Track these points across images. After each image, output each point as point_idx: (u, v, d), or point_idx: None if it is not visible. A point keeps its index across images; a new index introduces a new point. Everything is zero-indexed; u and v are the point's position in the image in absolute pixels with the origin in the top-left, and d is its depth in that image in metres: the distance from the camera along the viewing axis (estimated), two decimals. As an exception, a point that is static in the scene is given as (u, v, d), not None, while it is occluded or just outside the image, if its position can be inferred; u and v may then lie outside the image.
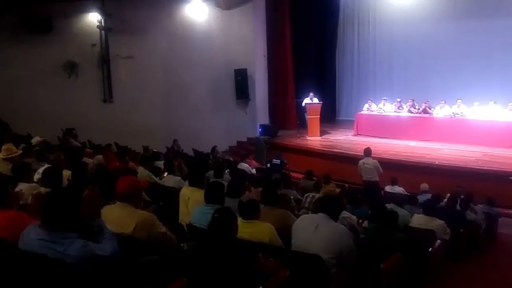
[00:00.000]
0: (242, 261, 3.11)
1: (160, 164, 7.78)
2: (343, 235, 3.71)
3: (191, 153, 11.50)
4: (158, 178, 6.85)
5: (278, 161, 11.21)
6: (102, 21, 12.87)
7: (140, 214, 3.67)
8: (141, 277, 3.08)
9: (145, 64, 13.52)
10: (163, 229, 3.77)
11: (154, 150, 10.67)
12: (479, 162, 10.45)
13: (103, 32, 12.99)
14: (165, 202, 5.39)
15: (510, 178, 9.49)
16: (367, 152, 9.58)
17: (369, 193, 8.91)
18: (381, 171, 9.41)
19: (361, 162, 9.53)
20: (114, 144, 10.42)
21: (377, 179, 9.35)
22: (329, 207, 3.82)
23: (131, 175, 4.98)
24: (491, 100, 12.38)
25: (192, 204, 4.71)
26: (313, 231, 3.69)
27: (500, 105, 12.26)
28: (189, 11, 13.91)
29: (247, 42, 14.42)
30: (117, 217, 3.62)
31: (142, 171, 6.63)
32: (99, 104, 13.18)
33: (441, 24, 14.95)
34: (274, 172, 10.45)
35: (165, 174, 7.15)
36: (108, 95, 13.28)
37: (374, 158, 9.59)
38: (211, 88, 14.39)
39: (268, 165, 11.23)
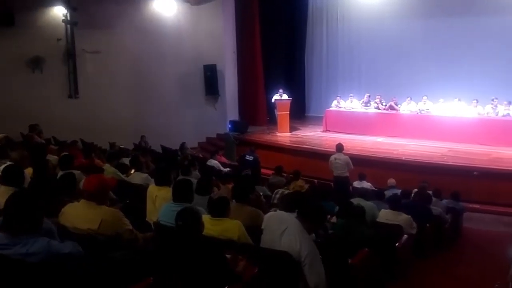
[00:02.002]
0: (209, 259, 3.08)
1: (127, 161, 7.65)
2: (307, 244, 3.57)
3: (159, 150, 11.36)
4: (124, 175, 6.73)
5: (251, 158, 11.17)
6: (68, 15, 12.54)
7: (105, 211, 3.62)
8: (106, 276, 3.03)
9: (112, 59, 13.26)
10: (129, 226, 3.73)
11: (121, 146, 10.48)
12: (445, 158, 10.69)
13: (68, 26, 12.66)
14: (132, 200, 5.30)
15: (475, 173, 9.73)
16: (339, 148, 9.66)
17: (339, 188, 9.00)
18: (352, 167, 9.51)
19: (332, 157, 9.60)
20: (80, 141, 10.20)
21: (347, 174, 9.45)
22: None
23: (98, 173, 4.90)
24: (455, 97, 12.66)
25: (160, 202, 4.65)
26: (280, 233, 3.61)
27: (465, 102, 12.55)
28: (158, 6, 13.73)
29: (216, 37, 14.33)
30: (82, 214, 3.57)
31: (108, 168, 6.52)
32: (65, 100, 12.86)
33: (408, 22, 15.20)
34: (247, 168, 10.47)
35: (132, 171, 7.00)
36: (73, 91, 12.96)
37: (344, 153, 9.69)
38: (180, 84, 14.24)
39: (241, 160, 11.21)
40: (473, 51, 14.19)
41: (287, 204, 3.96)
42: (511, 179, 9.45)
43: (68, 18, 12.56)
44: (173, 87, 14.14)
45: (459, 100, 12.60)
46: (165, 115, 13.76)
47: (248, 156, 11.13)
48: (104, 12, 12.79)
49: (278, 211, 4.03)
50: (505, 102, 11.90)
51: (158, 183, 4.97)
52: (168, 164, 7.65)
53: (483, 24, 13.96)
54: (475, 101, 12.34)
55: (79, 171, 5.27)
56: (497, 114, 12.01)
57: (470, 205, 9.06)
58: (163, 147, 11.49)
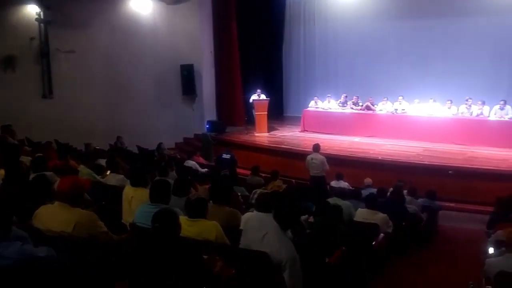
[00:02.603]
0: (186, 260, 3.05)
1: (103, 162, 7.55)
2: (287, 248, 3.56)
3: (135, 150, 11.24)
4: (100, 176, 6.66)
5: (228, 156, 11.15)
6: (41, 13, 12.33)
7: (79, 213, 3.59)
8: (82, 278, 2.98)
9: (87, 58, 13.08)
10: (104, 228, 3.70)
11: (97, 147, 10.34)
12: (420, 157, 10.83)
13: (42, 25, 12.45)
14: (107, 201, 5.25)
15: (450, 172, 9.88)
16: (316, 148, 9.69)
17: (315, 188, 9.03)
18: (327, 167, 9.55)
19: (309, 157, 9.64)
20: (55, 142, 10.04)
21: (324, 174, 9.49)
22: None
23: (73, 175, 4.82)
24: (430, 98, 12.84)
25: (136, 203, 4.59)
26: (260, 238, 3.61)
27: (439, 103, 12.75)
28: (133, 5, 13.59)
29: (193, 37, 14.23)
30: (56, 216, 3.53)
31: (83, 170, 6.42)
32: (39, 100, 12.63)
33: (384, 23, 15.36)
34: (224, 168, 10.46)
35: (108, 172, 6.92)
36: (48, 91, 12.75)
37: (321, 154, 9.72)
38: (156, 84, 14.12)
39: (218, 160, 11.17)
40: (448, 52, 14.44)
41: (262, 205, 3.94)
42: (485, 178, 9.63)
43: (42, 16, 12.37)
44: (149, 87, 14.01)
45: (434, 100, 12.79)
46: (141, 115, 13.63)
47: (224, 154, 11.11)
48: (78, 11, 12.61)
49: (255, 212, 4.02)
50: (479, 102, 12.12)
51: (134, 184, 4.92)
52: (144, 165, 7.56)
53: (457, 25, 14.22)
54: (449, 101, 12.55)
55: (52, 173, 5.18)
56: (471, 114, 12.22)
57: (446, 204, 9.17)
58: (139, 148, 11.38)
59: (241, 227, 3.92)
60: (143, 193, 4.56)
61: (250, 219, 3.91)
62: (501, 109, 11.70)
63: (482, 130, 11.86)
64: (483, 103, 12.10)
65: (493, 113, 11.86)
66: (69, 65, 12.91)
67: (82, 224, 3.49)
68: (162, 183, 4.41)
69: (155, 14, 13.93)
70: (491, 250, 4.76)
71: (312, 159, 9.54)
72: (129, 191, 4.88)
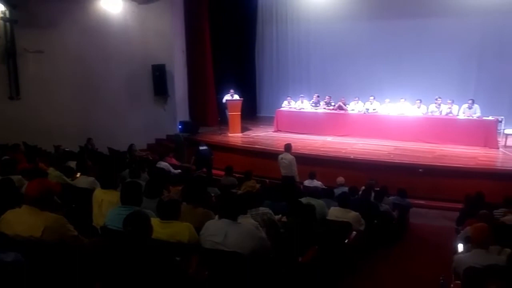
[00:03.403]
0: (159, 263, 3.02)
1: (73, 164, 7.42)
2: (252, 234, 3.77)
3: (106, 152, 11.06)
4: (70, 179, 6.53)
5: (205, 147, 11.21)
6: (7, 12, 12.01)
7: (48, 217, 3.52)
8: (52, 283, 2.92)
9: (56, 59, 12.80)
10: (74, 232, 3.64)
11: (66, 149, 10.16)
12: (391, 156, 10.98)
13: (7, 24, 12.12)
14: (77, 204, 5.17)
15: (420, 170, 10.05)
16: (287, 148, 9.72)
17: (287, 187, 9.04)
18: (294, 167, 9.47)
19: (280, 157, 9.65)
20: (23, 144, 9.81)
21: (291, 174, 9.48)
22: (227, 211, 3.84)
23: (42, 178, 4.72)
24: (401, 98, 13.04)
25: (106, 206, 4.54)
26: (222, 241, 3.69)
27: (409, 102, 12.96)
28: (103, 4, 13.35)
29: (165, 37, 14.09)
30: (24, 221, 3.45)
31: (52, 172, 6.31)
32: (5, 101, 12.29)
33: (355, 24, 15.56)
34: (204, 160, 10.88)
35: (78, 174, 6.81)
36: (14, 92, 12.42)
37: (293, 153, 9.75)
38: (128, 84, 13.92)
39: (196, 153, 11.27)
40: (417, 52, 14.71)
41: (222, 213, 3.95)
42: (454, 175, 9.83)
43: (7, 15, 12.03)
44: (120, 88, 13.81)
45: (405, 100, 12.99)
46: (112, 116, 13.42)
47: (201, 147, 11.21)
48: (46, 11, 12.34)
49: (217, 219, 4.02)
50: (449, 101, 12.36)
51: (104, 186, 4.85)
52: (115, 166, 7.46)
53: (427, 26, 14.51)
54: (418, 101, 12.77)
55: (20, 176, 5.06)
56: (440, 113, 12.46)
57: (416, 201, 9.34)
58: (110, 149, 11.21)
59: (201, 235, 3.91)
60: (114, 196, 4.50)
61: (208, 228, 3.89)
62: (469, 108, 11.96)
63: (451, 129, 12.10)
64: (453, 102, 12.34)
65: (462, 112, 12.11)
66: (37, 65, 12.61)
67: (52, 228, 3.43)
68: (133, 185, 4.35)
69: (126, 14, 13.74)
70: (460, 246, 4.85)
71: (282, 158, 9.56)
72: (99, 193, 4.80)
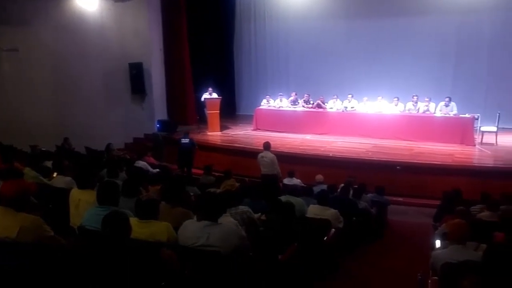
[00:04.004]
0: (138, 262, 2.99)
1: (50, 164, 7.30)
2: (233, 235, 3.75)
3: (83, 151, 10.90)
4: (47, 179, 6.44)
5: (187, 140, 11.17)
6: (-20, 10, 11.78)
7: (24, 218, 3.47)
8: (29, 284, 2.87)
9: (31, 57, 12.59)
10: (51, 233, 3.59)
11: (43, 149, 9.99)
12: (369, 153, 11.07)
13: (-20, 22, 11.89)
14: (54, 204, 5.11)
15: (398, 167, 10.15)
16: (266, 146, 9.71)
17: (267, 186, 9.03)
18: (277, 166, 9.47)
19: (260, 155, 9.64)
20: (-3, 144, 9.63)
21: (275, 172, 9.49)
22: (208, 212, 3.78)
23: (18, 178, 4.64)
24: (379, 96, 13.15)
25: (84, 206, 4.48)
26: (205, 243, 3.64)
27: (387, 100, 13.08)
28: (79, 2, 13.16)
29: (142, 35, 13.96)
30: (-1, 221, 3.38)
31: (28, 172, 6.21)
32: (-21, 100, 12.08)
33: (333, 22, 15.65)
34: (185, 153, 10.99)
35: (55, 174, 6.70)
36: (-12, 90, 12.20)
37: (272, 152, 9.75)
38: (105, 83, 13.75)
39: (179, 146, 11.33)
40: (395, 50, 14.87)
41: (202, 214, 3.90)
42: (431, 172, 9.96)
43: (-20, 13, 11.79)
44: (97, 86, 13.64)
45: (382, 98, 13.11)
46: (89, 115, 13.25)
47: (183, 139, 11.20)
48: (20, 8, 12.13)
49: (195, 220, 3.98)
50: (426, 99, 12.49)
51: (81, 186, 4.79)
52: (92, 166, 7.35)
53: (404, 24, 14.67)
54: (396, 99, 12.89)
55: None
56: (417, 111, 12.60)
57: (394, 198, 9.42)
58: (87, 149, 11.05)
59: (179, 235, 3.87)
60: (91, 195, 4.45)
61: (187, 229, 3.85)
62: (446, 105, 12.12)
63: (429, 126, 12.24)
64: (430, 100, 12.48)
65: (439, 109, 12.26)
66: (12, 63, 12.41)
67: (27, 228, 3.38)
68: (109, 184, 4.30)
69: (102, 12, 13.57)
70: (437, 242, 4.90)
71: (262, 157, 9.55)
72: (76, 193, 4.75)
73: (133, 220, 3.61)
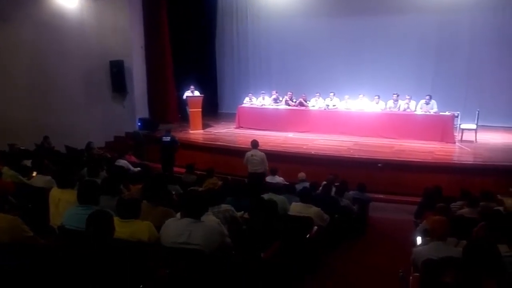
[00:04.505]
0: (119, 262, 2.96)
1: (29, 163, 7.21)
2: (215, 233, 3.77)
3: (63, 150, 10.75)
4: (26, 178, 6.37)
5: (168, 138, 11.10)
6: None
7: (2, 218, 3.45)
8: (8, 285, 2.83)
9: (9, 54, 12.32)
10: (30, 233, 3.54)
11: (22, 147, 9.82)
12: (351, 151, 11.13)
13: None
14: (34, 204, 5.05)
15: (379, 165, 10.23)
16: (255, 144, 9.68)
17: (254, 184, 9.02)
18: (267, 163, 9.53)
19: (248, 154, 9.60)
20: (-26, 143, 9.43)
21: (263, 171, 9.49)
22: (191, 210, 3.79)
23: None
24: (360, 94, 13.24)
25: (64, 205, 4.44)
26: (186, 241, 3.65)
27: (368, 98, 13.17)
28: (59, -2, 12.96)
29: (122, 32, 13.81)
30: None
31: (7, 171, 6.15)
32: (-46, 99, 11.80)
33: (315, 20, 15.70)
34: (167, 151, 10.96)
35: (34, 173, 6.61)
36: (-36, 88, 11.93)
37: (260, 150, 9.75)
38: (85, 81, 13.57)
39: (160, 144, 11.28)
40: (376, 49, 14.99)
41: (186, 212, 3.91)
42: (412, 169, 10.06)
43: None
44: (77, 85, 13.45)
45: (363, 96, 13.20)
46: (69, 113, 13.05)
47: (165, 137, 11.13)
48: (-1, 4, 11.87)
49: (178, 218, 3.97)
50: (407, 97, 12.62)
51: (61, 185, 4.73)
52: (72, 165, 7.26)
53: (385, 23, 14.80)
54: (377, 97, 12.99)
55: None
56: (398, 109, 12.72)
57: (375, 195, 9.48)
58: (67, 147, 10.91)
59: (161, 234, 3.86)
60: (71, 195, 4.41)
61: (169, 227, 3.84)
62: (427, 103, 12.25)
63: (409, 124, 12.36)
64: (411, 98, 12.61)
65: (419, 107, 12.39)
66: (-13, 61, 12.13)
67: (5, 229, 3.36)
68: (89, 183, 4.28)
69: (82, 9, 13.38)
70: (418, 239, 4.94)
71: (252, 155, 9.53)
72: (55, 193, 4.70)
73: (115, 219, 3.59)
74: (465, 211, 6.04)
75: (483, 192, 7.04)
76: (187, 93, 14.26)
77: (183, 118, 15.00)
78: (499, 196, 7.05)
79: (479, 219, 5.06)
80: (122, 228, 3.69)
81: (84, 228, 3.25)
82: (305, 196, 6.14)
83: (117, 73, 13.80)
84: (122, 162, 9.00)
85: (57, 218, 4.41)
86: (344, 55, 15.42)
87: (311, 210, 5.87)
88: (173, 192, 6.18)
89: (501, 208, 5.88)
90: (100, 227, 3.13)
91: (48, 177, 6.08)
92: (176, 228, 3.74)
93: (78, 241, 3.36)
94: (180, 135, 13.26)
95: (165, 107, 15.62)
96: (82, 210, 3.84)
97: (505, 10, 13.50)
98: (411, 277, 3.78)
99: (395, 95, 12.78)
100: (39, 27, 12.59)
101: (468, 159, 10.45)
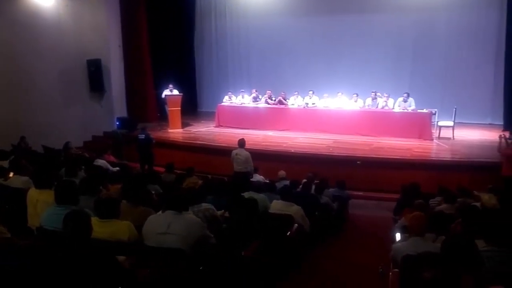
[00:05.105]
0: (98, 263, 2.93)
1: (5, 163, 7.09)
2: (196, 226, 3.86)
3: (41, 150, 10.58)
4: (3, 179, 6.27)
5: (143, 136, 11.09)
6: None
7: None
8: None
9: (-18, 54, 12.05)
10: (7, 234, 3.50)
11: (-3, 148, 9.65)
12: (330, 149, 11.20)
13: None
14: (11, 205, 5.00)
15: (358, 162, 10.32)
16: (241, 143, 9.65)
17: (236, 183, 8.99)
18: (251, 163, 9.50)
19: (234, 152, 9.56)
20: None
21: (248, 170, 9.47)
22: (174, 203, 3.89)
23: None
24: (339, 92, 13.33)
25: (42, 206, 4.40)
26: (165, 232, 3.70)
27: (346, 96, 13.27)
28: (34, -4, 12.71)
29: (100, 31, 13.63)
30: None
31: (-17, 173, 6.00)
32: None
33: (293, 19, 15.75)
34: (143, 149, 11.01)
35: (11, 174, 6.50)
36: None
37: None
38: (62, 80, 13.34)
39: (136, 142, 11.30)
40: (354, 47, 15.10)
41: (168, 205, 3.95)
42: (391, 166, 10.16)
43: None
44: (54, 84, 13.21)
45: (342, 94, 13.29)
46: (46, 113, 12.81)
47: (140, 135, 11.14)
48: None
49: (159, 213, 3.99)
50: (385, 95, 12.75)
51: (39, 186, 4.67)
52: (49, 165, 7.15)
53: (363, 21, 14.91)
54: (355, 95, 13.10)
55: None
56: (377, 107, 12.84)
57: (355, 193, 9.58)
58: (45, 147, 10.74)
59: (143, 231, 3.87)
60: (49, 195, 4.35)
61: (150, 221, 3.92)
62: (404, 101, 12.39)
63: (387, 122, 12.49)
64: (389, 95, 12.74)
65: (397, 105, 12.52)
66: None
67: None
68: (67, 183, 4.24)
69: (58, 7, 13.15)
70: (397, 235, 5.00)
71: (237, 154, 9.50)
72: (33, 193, 4.65)
73: (93, 220, 3.57)
74: (443, 207, 6.12)
75: (460, 188, 7.17)
76: (166, 92, 14.17)
77: (162, 117, 14.90)
78: (475, 192, 7.18)
79: (456, 215, 5.14)
80: (102, 228, 3.67)
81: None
82: (286, 194, 6.16)
83: (95, 72, 13.62)
84: (101, 162, 8.90)
85: (35, 219, 4.37)
86: (323, 53, 15.50)
87: (292, 209, 5.89)
88: (153, 192, 6.13)
89: (478, 204, 5.99)
90: (77, 227, 3.09)
91: (26, 178, 5.98)
92: (157, 221, 3.84)
93: (56, 242, 3.32)
94: (159, 134, 13.18)
95: (144, 106, 15.47)
96: (61, 210, 3.78)
97: (481, 9, 13.72)
98: (390, 273, 3.82)
99: (373, 93, 12.90)
100: (14, 26, 12.32)
101: (445, 155, 10.62)
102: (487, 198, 6.11)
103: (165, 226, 3.73)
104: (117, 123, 14.10)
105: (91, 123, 13.89)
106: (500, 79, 13.24)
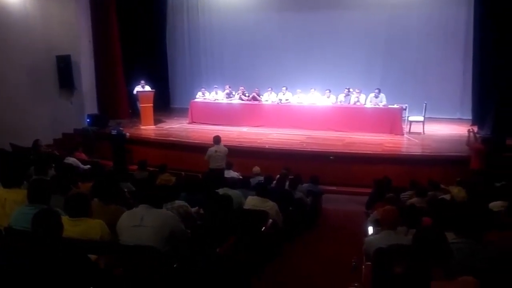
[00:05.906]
0: (71, 262, 2.88)
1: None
2: (169, 218, 3.93)
3: (9, 149, 10.33)
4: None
5: (115, 132, 11.08)
6: None
7: None
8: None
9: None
10: None
11: (-37, 147, 9.37)
12: (304, 145, 11.29)
13: None
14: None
15: (331, 157, 10.43)
16: (217, 140, 9.58)
17: (212, 180, 8.95)
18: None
19: (212, 150, 9.45)
20: None
21: (224, 166, 9.44)
22: (149, 198, 3.97)
23: None
24: (312, 88, 13.41)
25: (11, 205, 4.28)
26: (138, 225, 3.74)
27: (319, 93, 13.36)
28: (-1, -9, 12.34)
29: (69, 26, 13.33)
30: None
31: None
32: None
33: (266, 15, 15.75)
34: (117, 145, 11.16)
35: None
36: None
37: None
38: (30, 77, 13.01)
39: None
40: (327, 43, 15.21)
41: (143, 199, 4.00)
42: (363, 161, 10.33)
43: None
44: (22, 81, 12.87)
45: (315, 90, 13.38)
46: (14, 111, 12.48)
47: (112, 131, 11.21)
48: None
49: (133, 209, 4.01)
50: (357, 90, 12.90)
51: (7, 185, 4.54)
52: (18, 164, 6.98)
53: (335, 18, 15.04)
54: (328, 91, 13.22)
55: None
56: (349, 102, 12.98)
57: (328, 187, 9.69)
58: (13, 146, 10.49)
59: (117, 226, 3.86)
60: (18, 194, 4.29)
61: (124, 218, 3.95)
62: (376, 97, 12.55)
63: (359, 117, 12.66)
64: (360, 91, 12.88)
65: (369, 101, 12.68)
66: None
67: None
68: (39, 182, 4.14)
69: (26, 2, 12.81)
70: (370, 229, 5.07)
71: (216, 151, 9.42)
72: (2, 193, 4.50)
73: (64, 219, 3.49)
74: (414, 200, 6.24)
75: (430, 182, 7.31)
76: (138, 88, 14.00)
77: (134, 114, 14.73)
78: (444, 186, 7.35)
79: (427, 208, 5.25)
80: (72, 227, 3.61)
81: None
82: (261, 190, 6.17)
83: (64, 68, 13.34)
84: (71, 160, 8.75)
85: (3, 219, 4.24)
86: (296, 49, 15.55)
87: (267, 204, 5.90)
88: (125, 190, 6.06)
89: (447, 197, 6.12)
90: (46, 226, 3.02)
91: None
92: (131, 215, 3.90)
93: (26, 242, 3.25)
94: (131, 131, 13.00)
95: (115, 103, 15.21)
96: (31, 210, 3.66)
97: (450, 6, 13.98)
98: (363, 266, 3.88)
99: (347, 90, 13.03)
100: (-22, 20, 11.99)
101: (416, 150, 10.82)
102: (457, 191, 6.26)
103: (138, 219, 3.76)
104: (88, 120, 13.85)
105: (61, 121, 13.61)
106: (468, 75, 13.50)
